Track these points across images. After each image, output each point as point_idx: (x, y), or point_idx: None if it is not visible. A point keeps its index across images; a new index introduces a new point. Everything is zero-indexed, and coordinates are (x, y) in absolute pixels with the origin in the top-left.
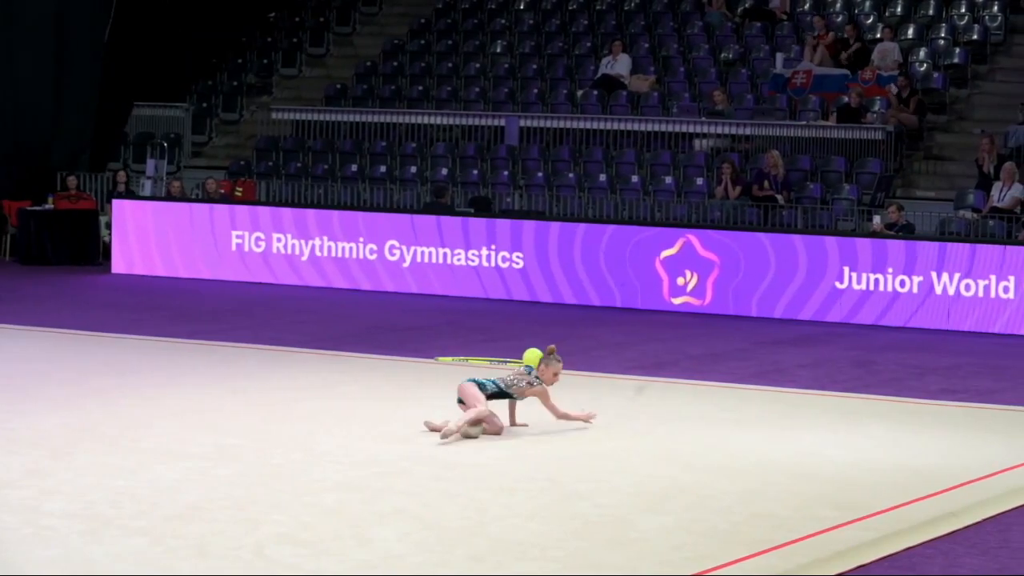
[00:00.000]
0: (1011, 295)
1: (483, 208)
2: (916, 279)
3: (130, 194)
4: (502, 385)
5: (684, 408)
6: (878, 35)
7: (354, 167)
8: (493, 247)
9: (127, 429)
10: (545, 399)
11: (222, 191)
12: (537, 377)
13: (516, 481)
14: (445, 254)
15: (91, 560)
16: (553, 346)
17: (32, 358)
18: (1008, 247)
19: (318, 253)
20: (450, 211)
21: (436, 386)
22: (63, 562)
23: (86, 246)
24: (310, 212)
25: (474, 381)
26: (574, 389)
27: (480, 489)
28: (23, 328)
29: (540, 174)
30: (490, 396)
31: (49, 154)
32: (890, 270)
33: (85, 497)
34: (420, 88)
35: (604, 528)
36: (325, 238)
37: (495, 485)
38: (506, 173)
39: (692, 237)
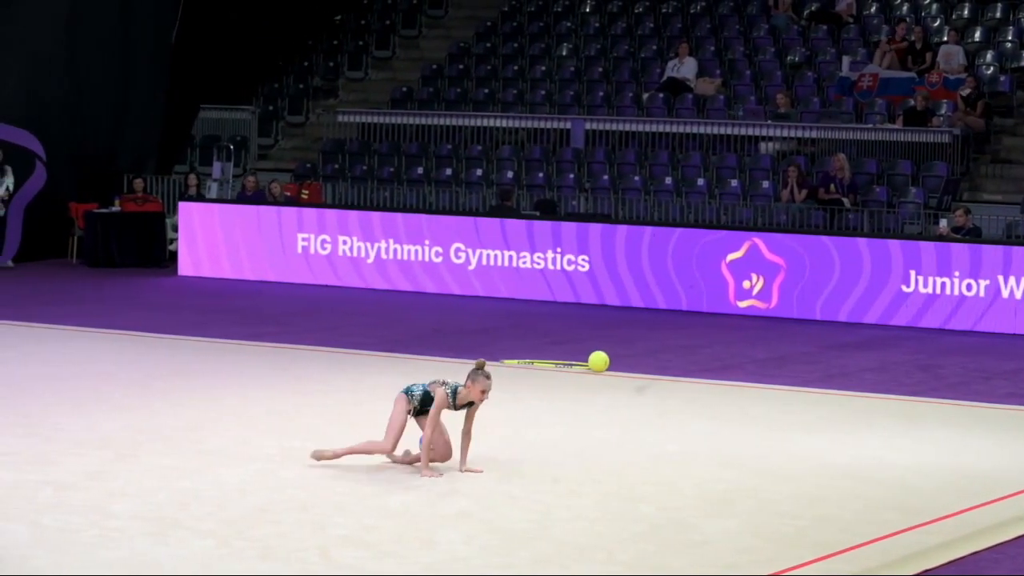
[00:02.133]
0: None
1: (548, 211)
2: (983, 283)
3: (199, 198)
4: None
5: (749, 411)
6: (944, 38)
7: (420, 170)
8: (558, 250)
9: (192, 431)
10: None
11: (288, 193)
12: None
13: (580, 484)
14: (510, 257)
15: (157, 562)
16: (482, 360)
17: (97, 360)
18: None
19: (383, 256)
20: (515, 214)
21: (501, 389)
22: (129, 564)
23: (152, 248)
24: (376, 215)
25: (405, 392)
26: (641, 392)
27: (544, 492)
28: (89, 330)
29: (606, 177)
30: (420, 408)
31: (116, 157)
32: (956, 274)
33: (150, 499)
34: (486, 91)
35: (669, 531)
36: (390, 240)
37: (559, 488)
38: (572, 176)
39: (758, 240)
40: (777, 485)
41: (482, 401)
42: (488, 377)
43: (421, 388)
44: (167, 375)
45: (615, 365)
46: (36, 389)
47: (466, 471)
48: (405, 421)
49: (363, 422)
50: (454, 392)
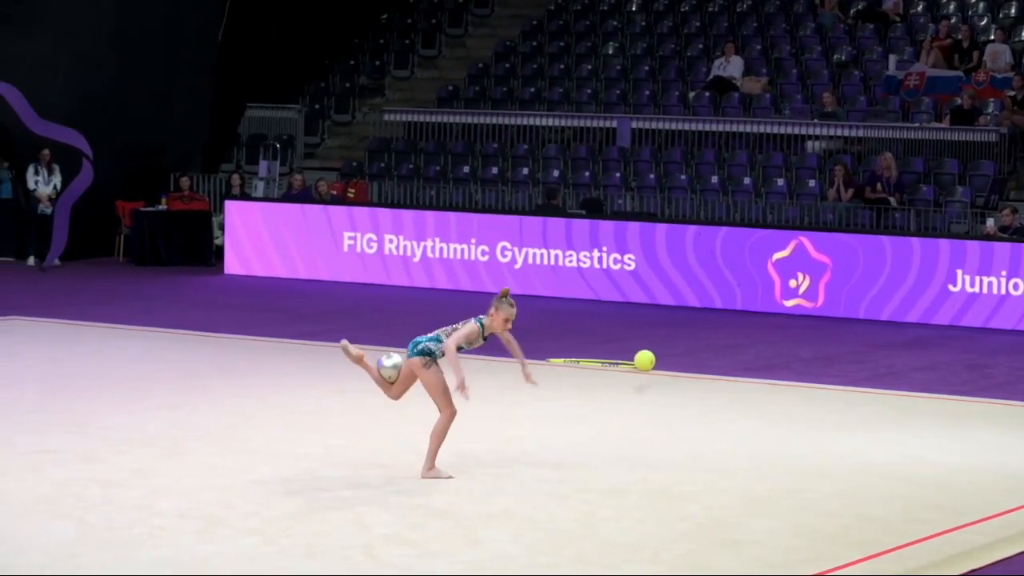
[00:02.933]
0: None
1: (595, 210)
2: None
3: (245, 196)
4: (430, 346)
5: (794, 411)
6: (991, 37)
7: (466, 168)
8: (604, 249)
9: (237, 429)
10: (473, 338)
11: (334, 192)
12: (481, 323)
13: (625, 483)
14: (556, 255)
15: (203, 559)
16: (507, 288)
17: (143, 358)
18: None
19: (430, 254)
20: (562, 213)
21: (547, 387)
22: (174, 561)
23: (199, 247)
24: (422, 213)
25: (420, 355)
26: (684, 391)
27: (589, 491)
28: (135, 328)
29: (652, 176)
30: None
31: (163, 155)
32: (1003, 273)
33: (196, 497)
34: (532, 90)
35: (713, 530)
36: (437, 239)
37: (604, 487)
38: (618, 175)
39: (804, 239)
40: (821, 484)
41: (504, 330)
42: (512, 305)
43: (428, 338)
44: (213, 374)
45: (661, 364)
46: (83, 387)
47: (528, 375)
48: (442, 379)
49: (408, 421)
50: (481, 324)
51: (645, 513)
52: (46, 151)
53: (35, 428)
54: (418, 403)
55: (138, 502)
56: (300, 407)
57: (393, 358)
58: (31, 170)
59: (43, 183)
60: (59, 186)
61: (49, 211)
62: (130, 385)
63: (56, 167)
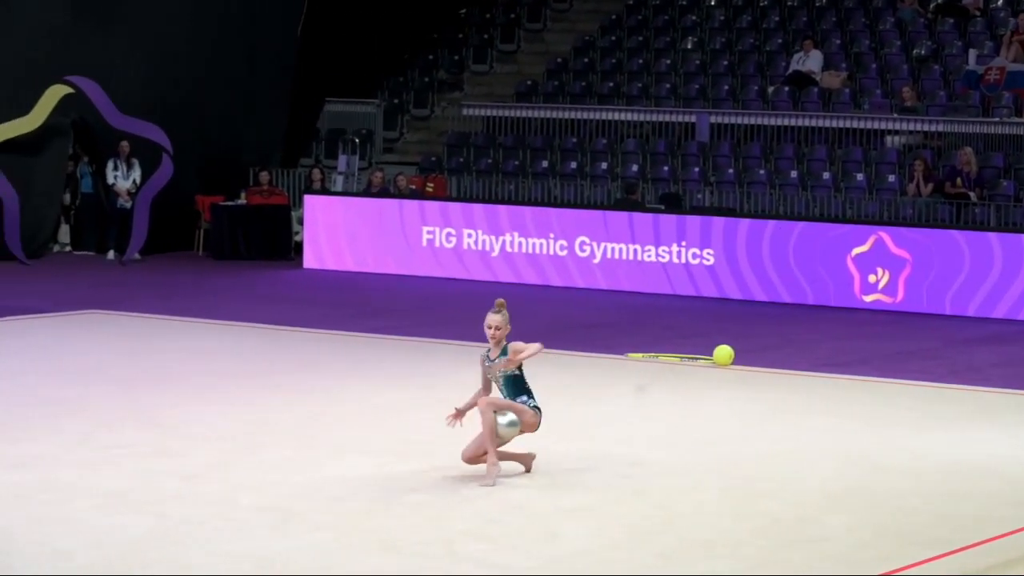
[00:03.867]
0: None
1: (673, 205)
2: None
3: (324, 191)
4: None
5: (874, 407)
6: None
7: (545, 163)
8: (683, 243)
9: (315, 423)
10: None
11: (413, 187)
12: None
13: (703, 478)
14: (635, 250)
15: (279, 553)
16: (501, 300)
17: (223, 352)
18: None
19: (509, 249)
20: (640, 207)
21: (626, 383)
22: (250, 556)
23: (278, 241)
24: (501, 208)
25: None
26: (764, 387)
27: (668, 487)
28: (214, 322)
29: (731, 171)
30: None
31: (242, 150)
32: None
33: (272, 491)
34: (611, 84)
35: (791, 527)
36: (516, 234)
37: (683, 483)
38: (697, 170)
39: (884, 234)
40: (900, 481)
41: (491, 339)
42: (495, 311)
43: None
44: (292, 368)
45: (740, 359)
46: (162, 382)
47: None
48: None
49: None
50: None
51: (723, 509)
52: (125, 144)
53: (114, 422)
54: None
55: (214, 496)
56: (380, 401)
57: (508, 416)
58: (110, 164)
59: (122, 177)
60: (138, 180)
61: (128, 205)
62: (208, 379)
63: (135, 161)
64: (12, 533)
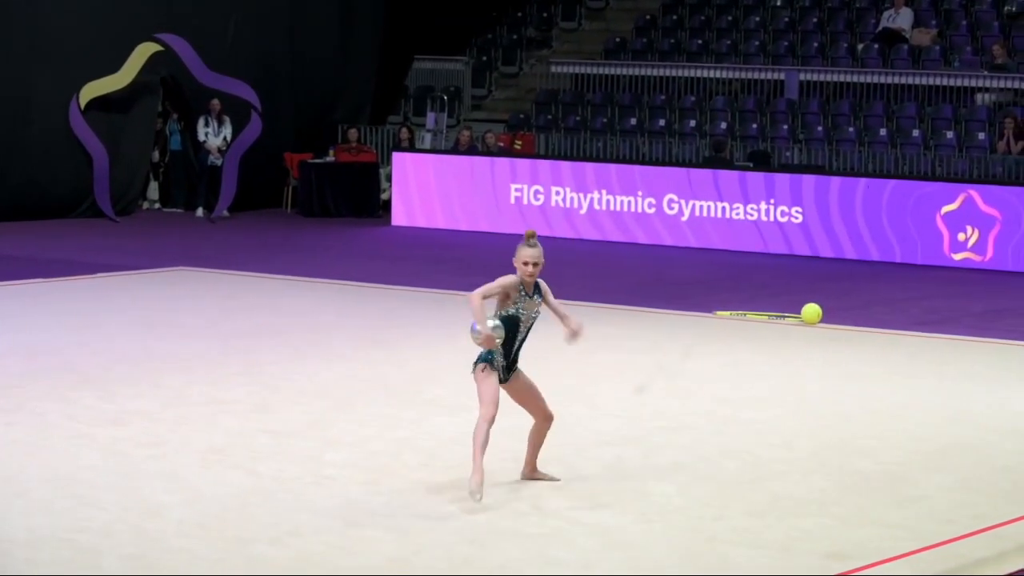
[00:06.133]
0: None
1: (762, 162)
2: None
3: (413, 149)
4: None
5: (966, 365)
6: None
7: (633, 120)
8: (772, 201)
9: (408, 381)
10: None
11: (501, 144)
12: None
13: (795, 436)
14: (723, 208)
15: (370, 509)
16: (531, 230)
17: (315, 310)
18: None
19: (596, 207)
20: (729, 165)
21: (716, 341)
22: (342, 512)
23: (366, 198)
24: (588, 165)
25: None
26: (854, 345)
27: (760, 445)
28: (305, 279)
29: (820, 128)
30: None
31: (331, 107)
32: None
33: (366, 448)
34: (699, 42)
35: (884, 485)
36: (603, 191)
37: (775, 441)
38: (785, 127)
39: (973, 192)
40: (995, 440)
41: (528, 276)
42: (531, 245)
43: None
44: (384, 325)
45: (829, 318)
46: (254, 339)
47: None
48: (497, 387)
49: (577, 371)
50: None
51: (814, 467)
52: (216, 102)
53: (208, 378)
54: (590, 354)
55: (308, 452)
56: (471, 358)
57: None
58: (201, 122)
59: (213, 134)
60: (229, 138)
61: (219, 162)
62: (301, 336)
63: (227, 119)
64: (108, 488)
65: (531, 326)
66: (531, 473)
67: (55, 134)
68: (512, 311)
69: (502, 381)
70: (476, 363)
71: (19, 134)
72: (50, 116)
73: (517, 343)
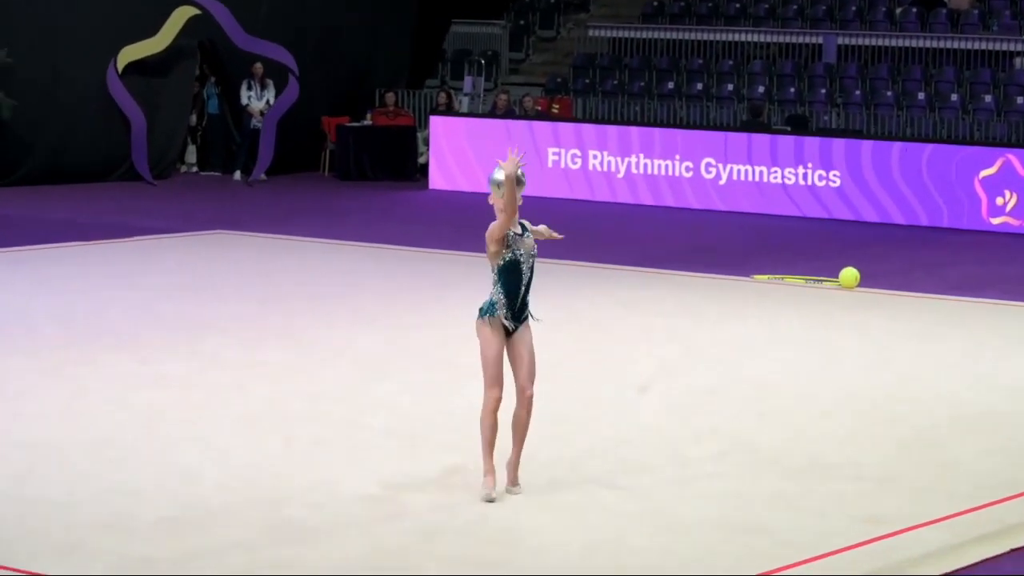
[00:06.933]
0: None
1: (800, 126)
2: None
3: (450, 111)
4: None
5: (1004, 330)
6: None
7: (670, 84)
8: (809, 165)
9: (445, 346)
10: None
11: (539, 108)
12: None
13: (832, 402)
14: (761, 172)
15: (403, 474)
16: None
17: (352, 273)
18: None
19: (634, 171)
20: (767, 129)
21: (753, 305)
22: (376, 476)
23: (403, 162)
24: (627, 129)
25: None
26: (891, 310)
27: (797, 411)
28: (342, 243)
29: (858, 92)
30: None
31: (368, 71)
32: None
33: (400, 413)
34: (737, 5)
35: (919, 450)
36: (641, 155)
37: (812, 407)
38: (823, 91)
39: (1012, 157)
40: None
41: (504, 212)
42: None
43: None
44: (421, 289)
45: (867, 282)
46: (291, 302)
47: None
48: (499, 350)
49: (618, 335)
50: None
51: (851, 432)
52: (258, 66)
53: (246, 341)
54: (627, 318)
55: (344, 417)
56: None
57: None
58: (244, 85)
59: (256, 98)
60: (272, 101)
61: (259, 126)
62: (338, 301)
63: (270, 82)
64: (143, 451)
65: (532, 266)
66: (512, 479)
67: (92, 99)
68: (509, 256)
69: (510, 333)
70: (479, 315)
71: (56, 97)
72: (87, 80)
73: (523, 287)
